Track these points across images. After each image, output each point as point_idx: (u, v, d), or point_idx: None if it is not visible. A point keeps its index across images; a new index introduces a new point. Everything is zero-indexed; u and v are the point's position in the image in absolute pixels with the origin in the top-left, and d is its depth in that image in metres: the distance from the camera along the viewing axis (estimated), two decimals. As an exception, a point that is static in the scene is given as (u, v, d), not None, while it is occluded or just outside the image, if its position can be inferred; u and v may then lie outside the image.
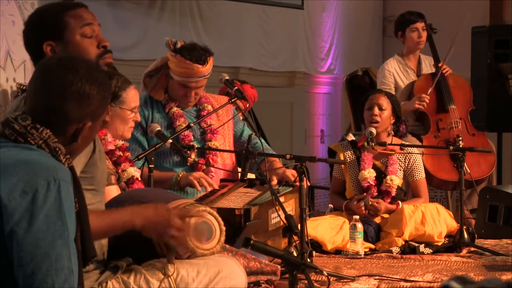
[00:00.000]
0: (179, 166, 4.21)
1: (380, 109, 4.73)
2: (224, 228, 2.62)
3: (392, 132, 4.78)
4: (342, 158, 4.78)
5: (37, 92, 2.16)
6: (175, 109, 4.27)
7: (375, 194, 4.66)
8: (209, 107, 4.33)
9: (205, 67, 4.17)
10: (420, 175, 4.81)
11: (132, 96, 3.53)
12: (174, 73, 4.20)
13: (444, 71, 5.82)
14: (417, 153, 4.86)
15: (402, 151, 4.74)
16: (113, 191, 3.25)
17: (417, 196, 4.82)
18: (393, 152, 4.73)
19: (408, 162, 4.80)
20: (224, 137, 4.35)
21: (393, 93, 5.65)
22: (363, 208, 4.59)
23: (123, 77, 3.58)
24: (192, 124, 4.15)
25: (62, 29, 2.54)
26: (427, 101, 5.60)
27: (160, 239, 2.44)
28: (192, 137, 4.22)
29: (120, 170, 3.50)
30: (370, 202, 4.60)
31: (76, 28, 2.55)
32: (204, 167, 4.21)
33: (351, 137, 4.81)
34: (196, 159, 4.21)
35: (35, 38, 2.57)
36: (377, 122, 4.71)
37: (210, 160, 4.23)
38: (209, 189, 3.97)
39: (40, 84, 2.15)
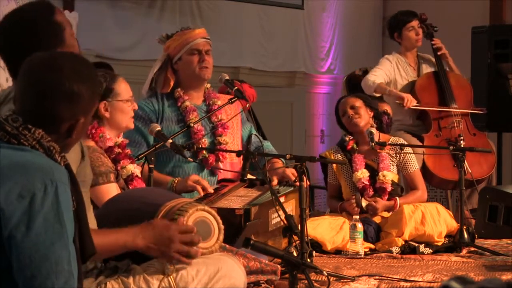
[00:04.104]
0: (189, 161, 4.21)
1: (353, 108, 4.76)
2: (222, 227, 2.62)
3: (375, 125, 4.78)
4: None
5: (24, 94, 2.13)
6: (187, 103, 4.29)
7: (371, 193, 4.67)
8: (219, 102, 4.35)
9: (201, 29, 4.41)
10: (413, 167, 4.80)
11: (125, 87, 3.54)
12: (180, 49, 4.29)
13: (435, 46, 5.85)
14: (418, 153, 4.86)
15: (391, 145, 4.74)
16: (112, 189, 3.25)
17: (414, 188, 4.81)
18: (383, 149, 4.72)
19: (400, 156, 4.79)
20: (233, 136, 4.37)
21: (386, 79, 5.67)
22: (354, 205, 4.60)
23: (109, 72, 3.60)
24: (192, 125, 4.17)
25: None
26: (408, 105, 5.57)
27: (164, 257, 2.44)
28: (203, 132, 4.24)
29: (119, 167, 3.50)
30: (367, 202, 4.61)
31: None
32: (214, 163, 4.23)
33: (350, 137, 4.83)
34: (207, 155, 4.23)
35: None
36: (357, 118, 4.73)
37: (220, 156, 4.25)
38: (202, 194, 3.95)
39: (27, 87, 2.12)
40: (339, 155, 4.83)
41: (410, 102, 5.55)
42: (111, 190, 3.22)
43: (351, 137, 4.83)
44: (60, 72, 2.10)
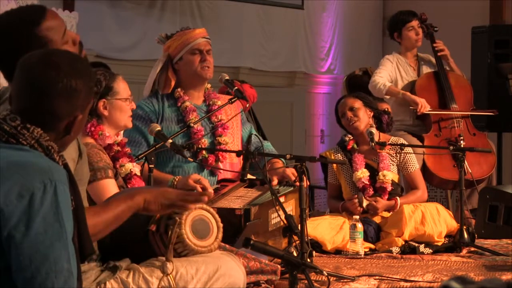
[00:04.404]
0: (189, 161, 4.21)
1: (352, 109, 4.75)
2: (221, 225, 2.62)
3: (374, 126, 4.77)
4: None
5: (22, 93, 2.12)
6: (187, 103, 4.29)
7: (371, 193, 4.67)
8: (219, 103, 4.35)
9: (201, 29, 4.42)
10: (414, 167, 4.80)
11: (123, 86, 3.55)
12: (181, 49, 4.29)
13: (437, 48, 5.84)
14: (418, 153, 4.86)
15: (391, 145, 4.73)
16: (110, 184, 3.24)
17: (414, 188, 4.81)
18: (383, 149, 4.72)
19: (400, 156, 4.79)
20: (233, 136, 4.36)
21: (389, 80, 5.66)
22: (357, 204, 4.60)
23: (108, 71, 3.61)
24: (192, 125, 4.17)
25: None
26: (422, 110, 5.57)
27: (166, 208, 2.44)
28: (203, 132, 4.24)
29: (118, 166, 3.50)
30: (367, 202, 4.61)
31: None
32: (214, 163, 4.22)
33: (349, 137, 4.83)
34: (206, 155, 4.22)
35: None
36: (356, 122, 4.72)
37: (220, 157, 4.25)
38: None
39: (25, 85, 2.11)
40: (339, 155, 4.83)
41: (424, 107, 5.55)
42: (109, 185, 3.22)
43: (351, 137, 4.83)
44: (57, 69, 2.10)
